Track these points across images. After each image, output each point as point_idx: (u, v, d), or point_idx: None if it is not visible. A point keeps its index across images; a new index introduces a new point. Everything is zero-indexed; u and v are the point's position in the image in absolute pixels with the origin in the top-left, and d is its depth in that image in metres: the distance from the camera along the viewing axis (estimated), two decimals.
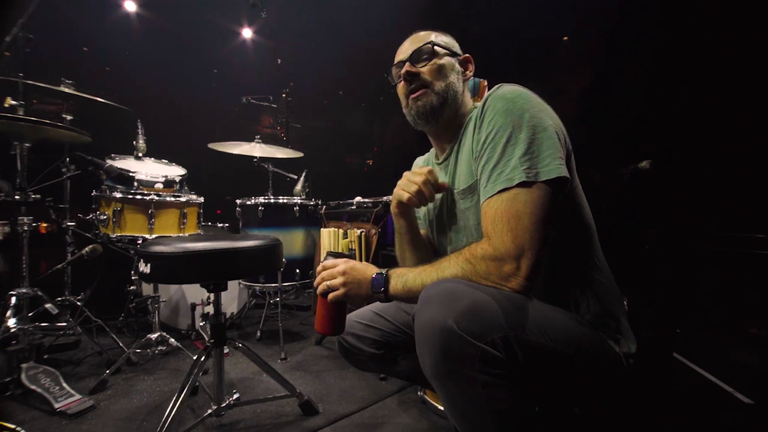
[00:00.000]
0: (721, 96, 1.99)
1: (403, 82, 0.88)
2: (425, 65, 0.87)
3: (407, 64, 0.87)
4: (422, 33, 0.91)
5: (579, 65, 2.87)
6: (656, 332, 1.44)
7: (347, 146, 4.48)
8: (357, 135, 4.31)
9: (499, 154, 0.71)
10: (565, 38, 2.93)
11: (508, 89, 0.77)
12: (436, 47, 0.87)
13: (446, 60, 0.88)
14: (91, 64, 3.24)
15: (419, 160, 1.08)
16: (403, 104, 0.92)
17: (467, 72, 0.92)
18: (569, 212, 0.79)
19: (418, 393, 1.44)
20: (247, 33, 3.76)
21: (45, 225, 1.76)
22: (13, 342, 1.45)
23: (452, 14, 3.34)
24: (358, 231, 1.90)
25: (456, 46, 0.93)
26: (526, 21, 2.86)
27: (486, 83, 3.22)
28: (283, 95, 2.95)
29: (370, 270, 0.80)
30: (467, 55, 0.93)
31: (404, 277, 0.76)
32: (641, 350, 1.36)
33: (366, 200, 2.02)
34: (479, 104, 0.82)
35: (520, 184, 0.67)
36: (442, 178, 0.92)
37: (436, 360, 0.60)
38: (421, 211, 1.02)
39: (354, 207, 2.05)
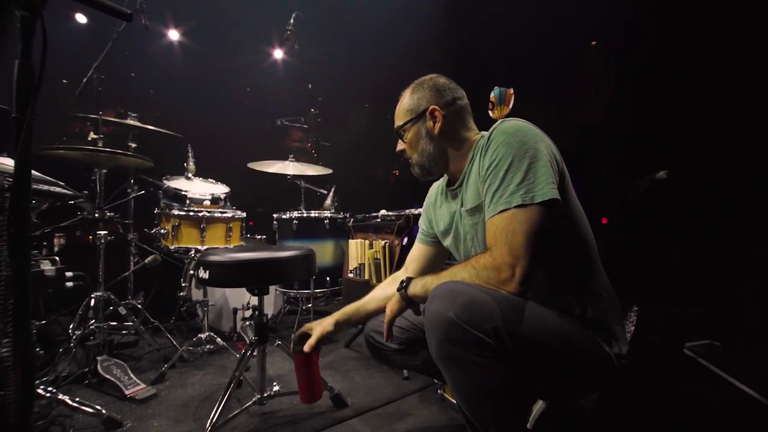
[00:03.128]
0: (744, 103, 2.00)
1: None
2: (403, 142, 1.08)
3: (399, 141, 1.09)
4: (399, 104, 1.08)
5: (603, 73, 2.91)
6: (667, 336, 1.49)
7: (373, 158, 4.68)
8: (384, 146, 4.48)
9: (500, 180, 0.84)
10: (594, 42, 2.98)
11: (509, 124, 0.91)
12: (401, 131, 1.06)
13: (412, 132, 1.04)
14: (137, 88, 3.61)
15: (434, 186, 1.23)
16: None
17: (437, 123, 1.01)
18: (565, 228, 0.91)
19: (438, 392, 1.56)
20: (278, 54, 4.03)
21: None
22: (91, 338, 1.71)
23: (471, 29, 3.48)
24: (383, 242, 2.07)
25: (422, 103, 1.02)
26: (550, 27, 2.92)
27: (512, 91, 3.32)
28: (312, 111, 3.18)
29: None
30: (431, 107, 1.01)
31: (423, 280, 0.92)
32: (650, 354, 1.42)
33: (390, 213, 2.18)
34: (486, 135, 0.95)
35: (518, 206, 0.81)
36: (453, 203, 1.08)
37: (440, 344, 0.75)
38: (441, 226, 1.16)
39: (379, 220, 2.22)
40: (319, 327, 1.13)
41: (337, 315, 1.17)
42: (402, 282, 0.97)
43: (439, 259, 1.26)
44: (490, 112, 3.03)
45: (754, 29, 1.95)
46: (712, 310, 1.99)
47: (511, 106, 3.02)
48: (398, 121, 1.07)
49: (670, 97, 2.34)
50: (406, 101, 1.06)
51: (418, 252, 1.25)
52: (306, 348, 1.09)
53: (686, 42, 2.24)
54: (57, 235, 2.83)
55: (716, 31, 2.09)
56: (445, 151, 1.04)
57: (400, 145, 1.09)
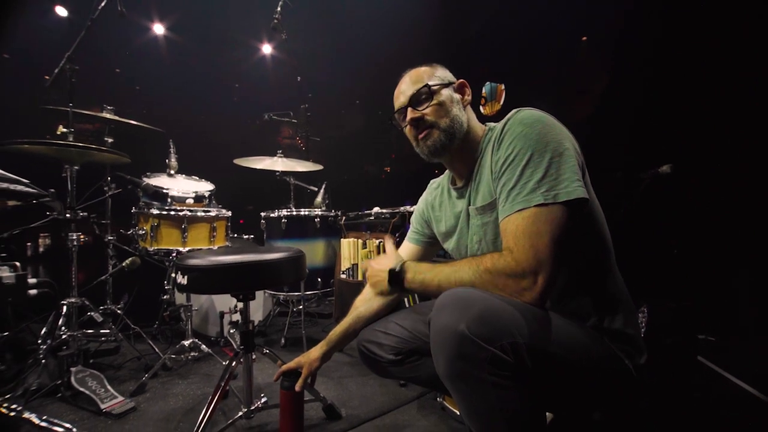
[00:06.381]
0: (747, 97, 1.95)
1: (409, 127, 0.93)
2: (426, 107, 0.90)
3: (409, 109, 0.92)
4: (415, 73, 0.94)
5: (598, 66, 2.86)
6: (679, 338, 1.43)
7: (365, 154, 4.58)
8: (374, 142, 4.40)
9: (518, 176, 0.75)
10: (584, 38, 2.92)
11: (527, 113, 0.81)
12: (433, 87, 0.90)
13: (445, 95, 0.91)
14: (122, 84, 3.47)
15: (434, 182, 1.14)
16: (414, 145, 0.96)
17: (465, 97, 0.95)
18: (586, 229, 0.83)
19: (438, 399, 1.48)
20: (266, 49, 3.92)
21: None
22: (64, 348, 1.58)
23: (462, 21, 3.40)
24: (377, 241, 1.97)
25: (449, 75, 0.95)
26: (544, 22, 2.86)
27: (503, 87, 3.22)
28: (302, 107, 3.07)
29: (386, 264, 0.90)
30: (461, 80, 0.95)
31: (421, 273, 0.83)
32: (663, 357, 1.36)
33: (384, 211, 2.09)
34: (497, 126, 0.86)
35: (538, 206, 0.71)
36: (459, 202, 0.98)
37: (450, 362, 0.65)
38: (442, 227, 1.06)
39: (372, 217, 2.12)
40: (307, 364, 1.09)
41: (323, 347, 1.11)
42: (393, 270, 0.87)
43: (428, 260, 1.18)
44: (481, 108, 2.96)
45: (753, 22, 1.90)
46: (707, 306, 1.96)
47: (502, 101, 2.96)
48: (425, 81, 0.91)
49: (667, 92, 2.29)
50: (430, 70, 0.94)
51: (406, 251, 1.17)
52: (297, 387, 1.07)
53: (685, 34, 2.19)
54: (42, 235, 2.69)
55: (716, 23, 2.04)
56: (468, 130, 0.93)
57: (415, 112, 0.91)
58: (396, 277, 0.86)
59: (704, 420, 1.26)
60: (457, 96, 0.93)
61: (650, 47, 2.35)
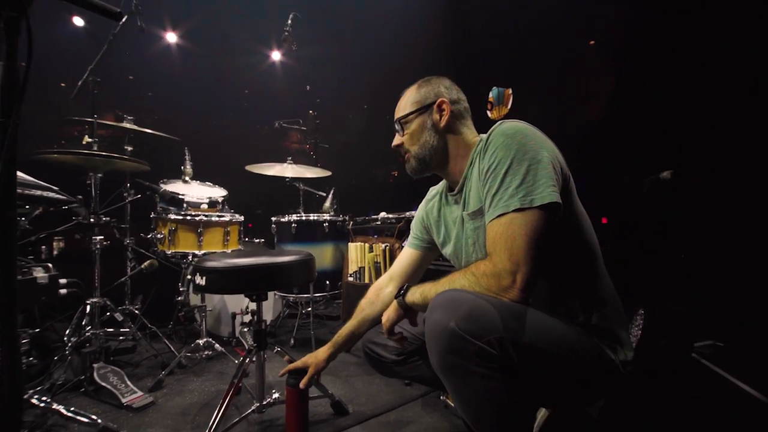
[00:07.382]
0: (748, 102, 1.98)
1: None
2: (403, 134, 1.04)
3: (396, 135, 1.06)
4: (404, 94, 1.05)
5: (602, 70, 2.89)
6: (678, 338, 1.46)
7: (372, 159, 4.66)
8: (381, 147, 4.45)
9: (499, 183, 0.82)
10: (591, 42, 2.96)
11: (508, 125, 0.88)
12: (403, 120, 1.02)
13: (417, 123, 1.01)
14: (136, 90, 3.60)
15: (432, 190, 1.20)
16: None
17: (444, 116, 0.99)
18: (570, 232, 0.89)
19: (441, 398, 1.53)
20: (276, 56, 4.02)
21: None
22: (87, 345, 1.68)
23: (470, 30, 3.45)
24: (383, 245, 2.04)
25: (430, 95, 1.01)
26: (545, 23, 2.90)
27: (510, 91, 3.27)
28: (311, 112, 3.15)
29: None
30: (440, 99, 1.00)
31: (421, 288, 0.90)
32: (663, 357, 1.40)
33: (390, 216, 2.16)
34: (484, 137, 0.93)
35: (516, 210, 0.78)
36: (455, 208, 1.06)
37: (442, 356, 0.72)
38: (440, 233, 1.13)
39: (379, 222, 2.19)
40: (314, 364, 1.14)
41: (330, 348, 1.17)
42: (400, 289, 0.96)
43: (426, 265, 1.25)
44: (488, 113, 3.02)
45: (754, 22, 1.92)
46: (715, 310, 1.97)
47: (509, 106, 3.01)
48: (401, 112, 1.04)
49: (672, 95, 2.32)
50: (412, 94, 1.03)
51: (407, 256, 1.23)
52: (302, 385, 1.11)
53: (690, 38, 2.21)
54: (57, 238, 2.81)
55: (721, 26, 2.06)
56: (447, 147, 1.01)
57: (398, 139, 1.05)
58: (397, 293, 0.96)
59: (704, 420, 1.29)
60: (430, 120, 1.00)
61: (650, 47, 2.38)
